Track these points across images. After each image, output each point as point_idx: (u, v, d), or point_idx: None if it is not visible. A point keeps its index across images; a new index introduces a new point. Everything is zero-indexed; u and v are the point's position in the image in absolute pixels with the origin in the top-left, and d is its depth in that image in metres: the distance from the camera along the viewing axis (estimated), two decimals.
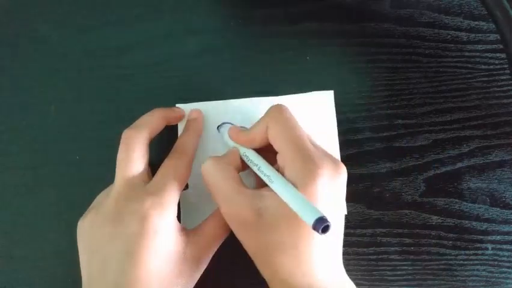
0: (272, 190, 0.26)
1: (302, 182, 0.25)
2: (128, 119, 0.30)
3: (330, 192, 0.26)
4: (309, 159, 0.25)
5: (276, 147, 0.27)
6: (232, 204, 0.27)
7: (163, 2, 0.36)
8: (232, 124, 0.33)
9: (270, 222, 0.25)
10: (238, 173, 0.28)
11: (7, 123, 0.35)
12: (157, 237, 0.26)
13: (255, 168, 0.28)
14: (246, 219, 0.26)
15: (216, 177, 0.28)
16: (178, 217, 0.29)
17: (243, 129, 0.30)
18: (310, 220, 0.22)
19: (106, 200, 0.28)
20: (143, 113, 0.31)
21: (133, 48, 0.36)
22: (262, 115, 0.28)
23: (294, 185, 0.25)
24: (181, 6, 0.36)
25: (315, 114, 0.33)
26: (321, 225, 0.22)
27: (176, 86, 0.35)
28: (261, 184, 0.28)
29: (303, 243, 0.25)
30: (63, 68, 0.36)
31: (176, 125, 0.33)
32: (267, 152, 0.28)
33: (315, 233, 0.25)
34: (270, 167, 0.27)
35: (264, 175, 0.26)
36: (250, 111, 0.34)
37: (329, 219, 0.22)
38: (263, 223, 0.25)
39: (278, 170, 0.27)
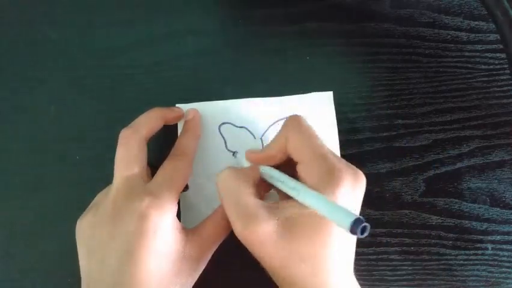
0: (292, 201, 0.25)
1: (325, 189, 0.24)
2: (128, 119, 0.30)
3: (350, 202, 0.25)
4: (331, 168, 0.25)
5: (296, 157, 0.27)
6: (251, 215, 0.25)
7: (163, 2, 0.36)
8: (232, 124, 0.33)
9: (290, 233, 0.25)
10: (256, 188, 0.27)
11: (7, 123, 0.35)
12: (156, 236, 0.26)
13: (278, 184, 0.27)
14: (265, 231, 0.25)
15: (232, 185, 0.27)
16: (178, 217, 0.29)
17: (259, 149, 0.29)
18: (346, 223, 0.21)
19: (105, 200, 0.28)
20: (143, 113, 0.31)
21: (133, 48, 0.36)
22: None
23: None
24: (181, 6, 0.36)
25: (315, 114, 0.33)
26: (359, 226, 0.21)
27: (176, 86, 0.35)
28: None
29: (321, 252, 0.25)
30: (63, 68, 0.36)
31: (176, 125, 0.33)
32: (285, 169, 0.28)
33: (334, 241, 0.25)
34: (293, 179, 0.26)
35: (289, 188, 0.26)
36: (250, 112, 0.34)
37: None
38: (283, 233, 0.25)
39: (299, 180, 0.26)
